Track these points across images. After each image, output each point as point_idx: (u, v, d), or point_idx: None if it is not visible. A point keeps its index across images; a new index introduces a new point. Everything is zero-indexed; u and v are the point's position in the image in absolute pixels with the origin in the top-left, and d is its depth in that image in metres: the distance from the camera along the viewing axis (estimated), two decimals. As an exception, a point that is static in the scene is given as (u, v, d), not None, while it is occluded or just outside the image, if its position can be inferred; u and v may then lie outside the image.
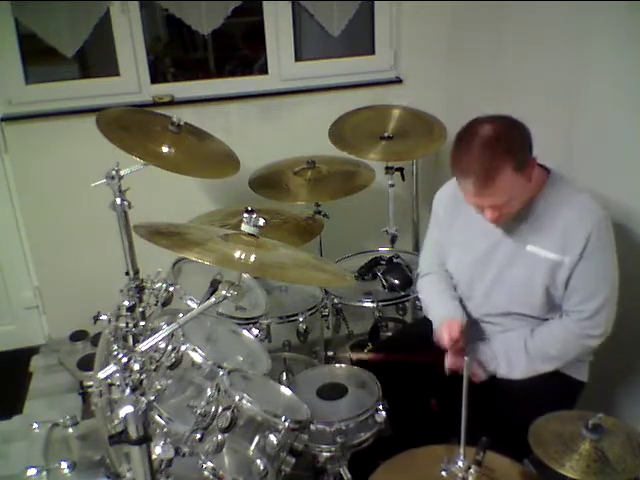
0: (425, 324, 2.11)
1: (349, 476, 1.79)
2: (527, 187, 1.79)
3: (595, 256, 1.79)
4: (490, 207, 1.78)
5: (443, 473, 1.38)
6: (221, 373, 1.58)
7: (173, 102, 3.09)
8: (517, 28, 2.64)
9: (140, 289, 2.02)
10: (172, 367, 1.59)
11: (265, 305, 2.17)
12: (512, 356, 1.93)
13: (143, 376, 1.28)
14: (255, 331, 1.95)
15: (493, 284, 1.95)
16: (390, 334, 2.60)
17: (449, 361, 1.94)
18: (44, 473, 1.79)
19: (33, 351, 3.30)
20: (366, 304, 2.49)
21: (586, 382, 2.00)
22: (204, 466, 1.49)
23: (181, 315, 1.47)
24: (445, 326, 1.93)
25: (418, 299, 2.34)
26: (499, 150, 1.70)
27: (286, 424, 1.51)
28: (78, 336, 2.80)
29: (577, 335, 1.87)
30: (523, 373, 1.92)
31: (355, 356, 2.16)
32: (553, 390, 1.89)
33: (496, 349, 1.96)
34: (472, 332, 2.02)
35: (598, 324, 1.85)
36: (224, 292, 1.41)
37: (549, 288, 1.86)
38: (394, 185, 2.81)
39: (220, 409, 1.50)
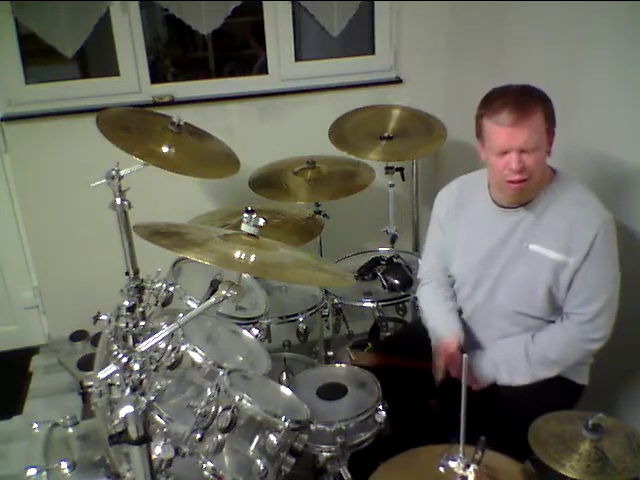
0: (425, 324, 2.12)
1: (349, 476, 1.79)
2: (545, 164, 1.80)
3: (599, 258, 1.79)
4: (519, 152, 1.73)
5: (441, 469, 1.38)
6: (221, 373, 1.58)
7: (173, 102, 3.09)
8: (517, 28, 2.64)
9: (140, 289, 2.02)
10: (172, 367, 1.59)
11: (265, 305, 2.17)
12: (513, 363, 1.92)
13: (143, 376, 1.28)
14: (255, 331, 1.95)
15: (496, 283, 1.95)
16: (390, 334, 2.60)
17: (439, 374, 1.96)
18: (44, 473, 1.78)
19: (33, 351, 3.30)
20: (366, 304, 2.49)
21: (586, 385, 2.00)
22: (204, 466, 1.48)
23: (181, 315, 1.47)
24: (442, 349, 1.95)
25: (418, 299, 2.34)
26: (535, 94, 1.79)
27: (286, 424, 1.51)
28: (78, 336, 2.79)
29: (578, 339, 1.87)
30: (524, 379, 1.91)
31: (355, 356, 2.15)
32: (553, 393, 1.89)
33: (496, 357, 1.96)
34: (471, 339, 2.02)
35: (599, 327, 1.84)
36: (224, 292, 1.41)
37: (552, 288, 1.85)
38: (394, 185, 2.81)
39: (220, 409, 1.50)
